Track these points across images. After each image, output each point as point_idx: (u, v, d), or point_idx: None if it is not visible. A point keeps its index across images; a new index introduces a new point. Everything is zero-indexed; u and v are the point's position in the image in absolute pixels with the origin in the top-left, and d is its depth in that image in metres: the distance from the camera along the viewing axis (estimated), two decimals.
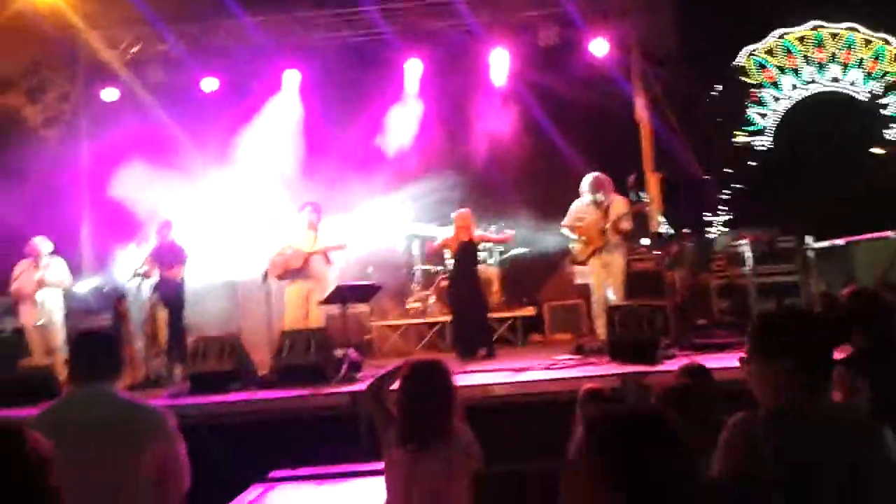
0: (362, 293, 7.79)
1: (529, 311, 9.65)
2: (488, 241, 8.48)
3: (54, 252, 8.90)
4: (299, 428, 6.23)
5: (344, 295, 7.39)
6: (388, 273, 9.78)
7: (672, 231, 9.14)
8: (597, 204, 7.94)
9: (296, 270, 8.10)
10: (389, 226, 10.00)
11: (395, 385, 3.46)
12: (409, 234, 10.19)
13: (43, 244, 8.83)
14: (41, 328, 8.67)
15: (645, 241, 9.42)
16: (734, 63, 11.72)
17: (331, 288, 7.64)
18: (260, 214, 9.14)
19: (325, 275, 8.16)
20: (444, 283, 9.76)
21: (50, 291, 8.76)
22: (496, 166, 10.33)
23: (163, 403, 7.01)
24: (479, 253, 8.69)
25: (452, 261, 8.48)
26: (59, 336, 8.74)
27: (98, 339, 3.33)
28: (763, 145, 11.66)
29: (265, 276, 7.88)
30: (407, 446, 3.26)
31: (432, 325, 9.55)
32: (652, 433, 1.41)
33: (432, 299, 9.74)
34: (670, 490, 1.36)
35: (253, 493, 5.32)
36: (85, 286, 9.74)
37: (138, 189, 9.60)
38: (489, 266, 9.98)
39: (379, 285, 7.98)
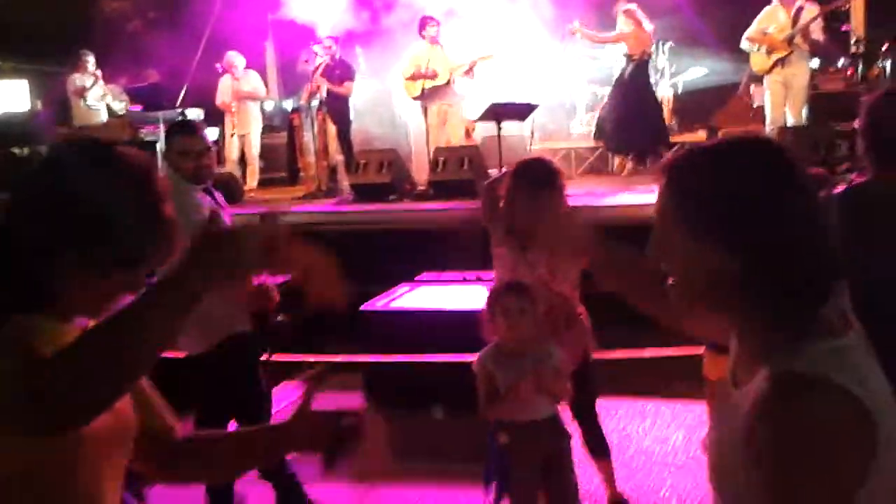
0: (518, 111, 7.68)
1: (701, 136, 9.13)
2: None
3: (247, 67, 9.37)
4: (447, 238, 6.48)
5: (498, 112, 7.33)
6: (553, 94, 9.52)
7: (872, 46, 8.11)
8: (785, 5, 7.20)
9: (435, 90, 8.08)
10: (556, 42, 9.62)
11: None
12: (576, 49, 9.77)
13: (237, 58, 9.22)
14: (240, 138, 9.19)
15: (840, 60, 8.47)
16: None
17: (470, 106, 7.62)
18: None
19: (464, 93, 8.11)
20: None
21: (247, 103, 9.19)
22: None
23: (329, 209, 7.55)
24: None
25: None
26: (255, 146, 9.27)
27: None
28: None
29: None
30: (513, 240, 3.31)
31: (596, 148, 9.30)
32: None
33: (594, 120, 9.43)
34: None
35: (400, 290, 5.71)
36: (269, 104, 10.33)
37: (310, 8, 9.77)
38: (659, 90, 9.46)
39: (535, 104, 7.81)
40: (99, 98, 9.55)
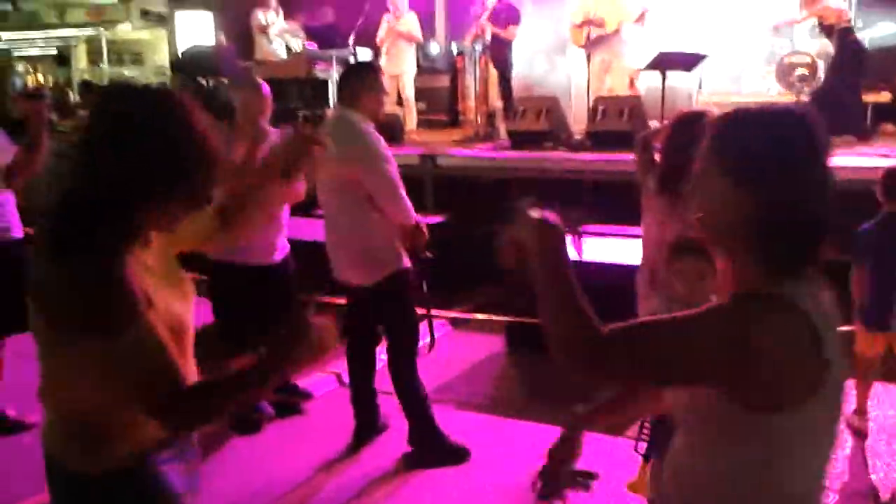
0: (685, 61, 7.44)
1: (885, 96, 8.51)
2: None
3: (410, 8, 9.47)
4: (603, 189, 6.47)
5: (665, 62, 7.14)
6: (726, 44, 9.11)
7: None
8: None
9: (601, 38, 7.97)
10: None
11: None
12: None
13: None
14: (394, 78, 9.16)
15: None
16: None
17: (636, 54, 7.47)
18: None
19: (629, 41, 7.91)
20: (790, 61, 8.91)
21: (400, 44, 9.22)
22: None
23: (484, 155, 7.71)
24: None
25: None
26: (408, 87, 9.34)
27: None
28: None
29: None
30: (664, 192, 3.32)
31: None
32: None
33: (770, 77, 8.96)
34: None
35: None
36: (435, 46, 10.51)
37: None
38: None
39: (703, 54, 7.53)
40: (279, 34, 10.06)
